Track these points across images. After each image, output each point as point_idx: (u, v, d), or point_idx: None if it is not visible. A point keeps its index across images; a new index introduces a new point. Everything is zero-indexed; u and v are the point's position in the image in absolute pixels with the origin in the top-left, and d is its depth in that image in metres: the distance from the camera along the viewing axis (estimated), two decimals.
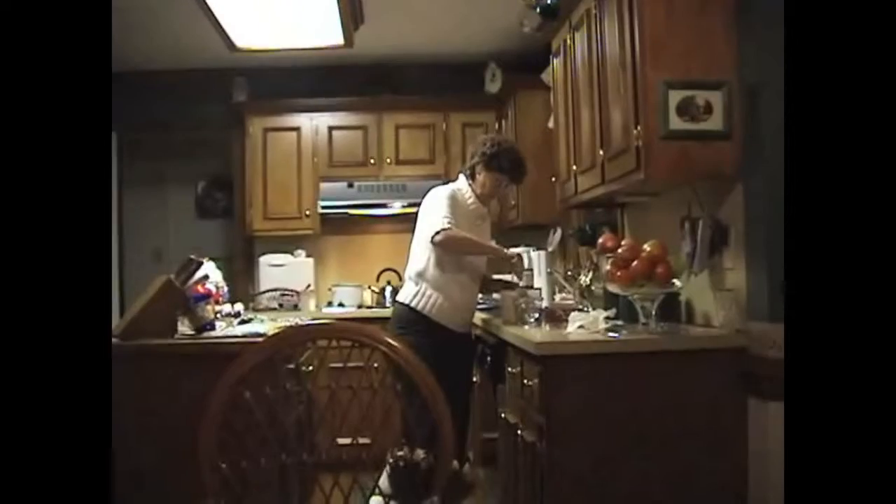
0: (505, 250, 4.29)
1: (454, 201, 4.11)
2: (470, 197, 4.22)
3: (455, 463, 1.20)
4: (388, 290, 6.30)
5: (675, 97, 3.09)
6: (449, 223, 3.99)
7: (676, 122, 3.09)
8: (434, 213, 4.06)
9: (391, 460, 1.24)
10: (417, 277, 4.16)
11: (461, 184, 4.27)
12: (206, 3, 4.75)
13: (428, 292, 4.11)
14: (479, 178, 4.22)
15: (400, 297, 4.25)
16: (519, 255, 4.37)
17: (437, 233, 3.99)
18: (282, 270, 6.39)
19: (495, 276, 4.43)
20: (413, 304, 4.12)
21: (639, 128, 3.14)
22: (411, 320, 4.10)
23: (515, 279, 4.24)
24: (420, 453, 1.23)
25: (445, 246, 4.04)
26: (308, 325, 2.61)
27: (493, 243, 4.34)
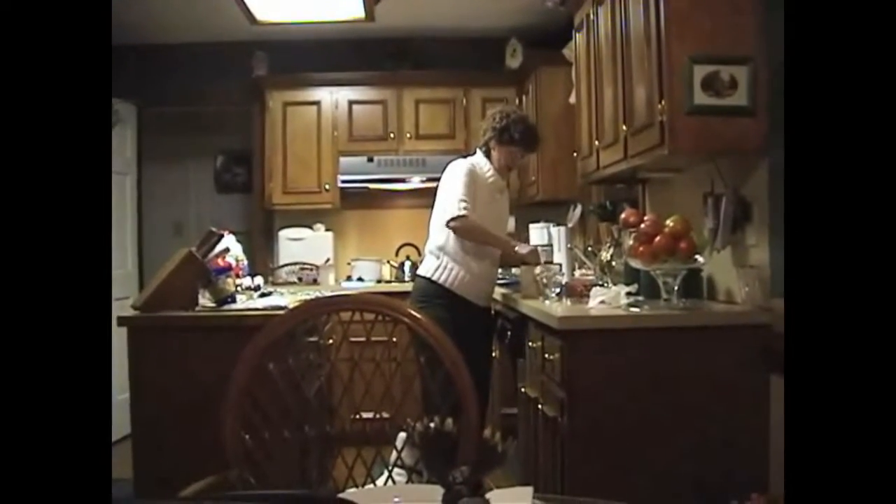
0: (517, 247, 4.23)
1: (472, 178, 4.09)
2: (489, 170, 4.21)
3: (486, 432, 1.20)
4: (408, 264, 6.30)
5: (700, 72, 3.07)
6: (465, 208, 3.98)
7: (701, 97, 3.07)
8: (452, 193, 4.05)
9: (417, 432, 1.24)
10: (438, 251, 4.16)
11: (478, 158, 4.26)
12: None
13: (449, 265, 4.11)
14: (494, 153, 4.22)
15: (421, 271, 4.26)
16: (535, 248, 4.32)
17: (454, 219, 3.99)
18: (301, 244, 6.40)
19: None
20: (435, 278, 4.12)
21: (663, 102, 3.12)
22: (432, 294, 4.10)
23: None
24: (449, 423, 1.22)
25: (459, 234, 4.04)
26: (332, 296, 2.61)
27: (511, 223, 4.29)
